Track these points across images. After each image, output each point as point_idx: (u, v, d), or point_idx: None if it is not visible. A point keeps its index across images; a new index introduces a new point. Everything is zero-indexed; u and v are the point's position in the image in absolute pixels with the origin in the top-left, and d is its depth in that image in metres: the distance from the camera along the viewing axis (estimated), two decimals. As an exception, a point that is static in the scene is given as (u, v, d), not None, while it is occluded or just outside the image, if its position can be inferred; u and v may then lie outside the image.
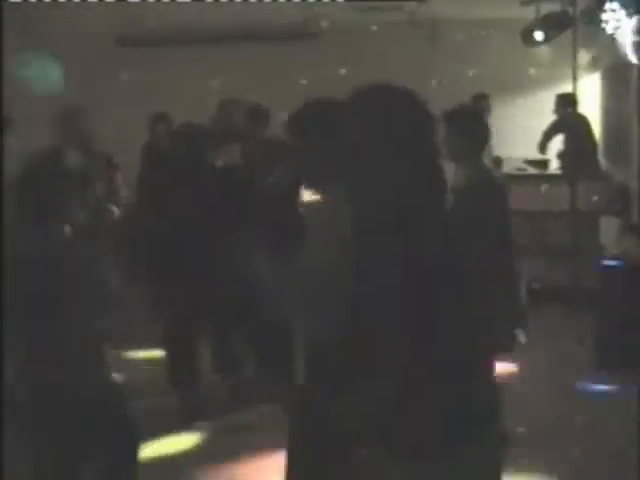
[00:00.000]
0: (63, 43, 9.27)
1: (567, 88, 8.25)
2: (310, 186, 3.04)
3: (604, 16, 7.42)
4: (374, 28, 10.03)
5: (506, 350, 4.52)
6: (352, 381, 2.17)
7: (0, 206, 4.02)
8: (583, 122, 8.75)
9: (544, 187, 8.11)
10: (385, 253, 2.11)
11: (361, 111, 2.23)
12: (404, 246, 2.12)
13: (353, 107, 2.26)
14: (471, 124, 4.57)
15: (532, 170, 8.82)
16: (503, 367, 5.55)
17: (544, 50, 9.01)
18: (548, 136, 9.05)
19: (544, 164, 9.16)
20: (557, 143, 9.05)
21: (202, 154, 5.54)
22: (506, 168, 8.78)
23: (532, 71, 10.06)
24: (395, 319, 2.09)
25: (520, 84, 10.17)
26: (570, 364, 6.15)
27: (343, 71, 10.08)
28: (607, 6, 7.38)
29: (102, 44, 10.51)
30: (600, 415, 5.24)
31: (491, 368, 2.43)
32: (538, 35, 8.49)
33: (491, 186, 4.57)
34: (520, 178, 8.48)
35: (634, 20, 6.82)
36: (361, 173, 2.21)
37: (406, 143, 2.18)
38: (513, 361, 5.95)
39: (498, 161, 9.05)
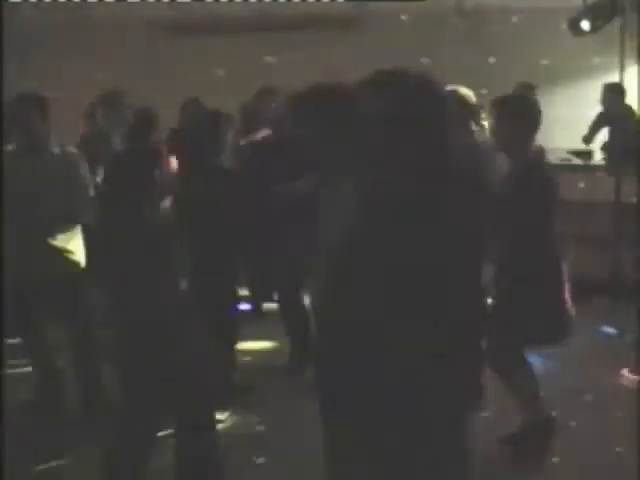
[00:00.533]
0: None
1: (614, 78, 8.20)
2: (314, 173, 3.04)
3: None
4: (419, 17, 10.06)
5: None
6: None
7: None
8: (630, 113, 8.67)
9: (588, 178, 8.04)
10: (396, 241, 2.14)
11: (369, 99, 2.18)
12: (415, 234, 2.14)
13: (362, 94, 2.21)
14: (523, 112, 4.54)
15: (576, 161, 8.77)
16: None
17: (591, 39, 8.93)
18: (596, 128, 8.97)
19: (588, 155, 9.10)
20: (601, 135, 8.98)
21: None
22: (550, 158, 8.71)
23: (579, 61, 9.99)
24: (411, 306, 2.14)
25: (566, 74, 10.09)
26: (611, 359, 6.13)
27: (387, 60, 10.10)
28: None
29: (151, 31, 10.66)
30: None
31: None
32: (585, 24, 8.45)
33: (542, 175, 4.55)
34: (563, 168, 8.42)
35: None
36: (368, 162, 2.20)
37: (413, 130, 2.14)
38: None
39: (541, 151, 9.01)
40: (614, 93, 8.27)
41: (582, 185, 7.92)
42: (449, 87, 5.63)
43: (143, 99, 6.88)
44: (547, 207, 4.44)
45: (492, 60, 9.83)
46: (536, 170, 4.51)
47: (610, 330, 6.65)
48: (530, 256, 4.36)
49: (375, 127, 2.15)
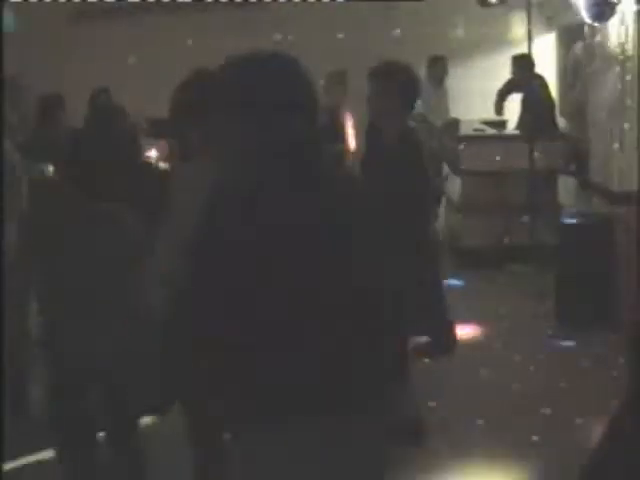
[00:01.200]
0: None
1: (522, 49, 8.31)
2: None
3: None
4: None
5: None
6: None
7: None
8: (540, 82, 8.80)
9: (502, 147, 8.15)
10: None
11: (227, 79, 2.22)
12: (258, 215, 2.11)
13: (222, 76, 2.25)
14: (400, 81, 4.32)
15: (490, 131, 8.88)
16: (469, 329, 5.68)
17: (499, 11, 9.04)
18: (502, 95, 9.07)
19: (502, 124, 9.22)
20: (515, 105, 9.10)
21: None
22: (464, 130, 8.83)
23: (487, 32, 10.09)
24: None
25: (476, 46, 10.18)
26: (534, 321, 6.26)
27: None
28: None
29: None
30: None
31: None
32: (492, -4, 8.52)
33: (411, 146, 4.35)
34: (478, 139, 8.52)
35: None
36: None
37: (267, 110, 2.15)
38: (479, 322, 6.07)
39: (455, 122, 9.11)
40: (524, 64, 8.37)
41: (497, 155, 8.03)
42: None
43: (48, 86, 6.76)
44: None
45: (398, 32, 9.85)
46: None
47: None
48: None
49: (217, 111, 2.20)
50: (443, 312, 4.58)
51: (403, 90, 4.31)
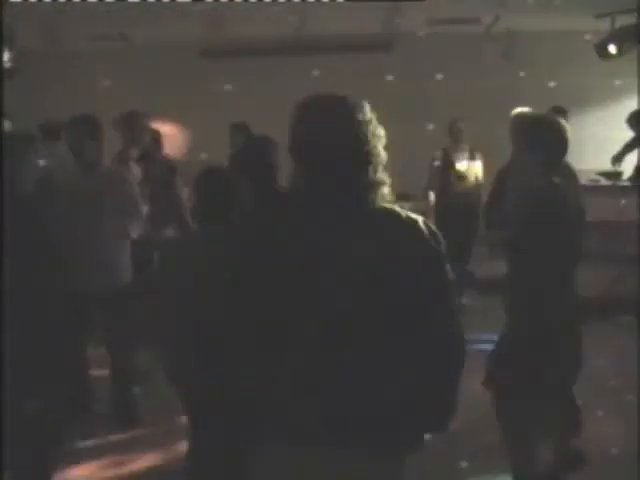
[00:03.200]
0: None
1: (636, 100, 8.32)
2: None
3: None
4: (449, 40, 10.24)
5: None
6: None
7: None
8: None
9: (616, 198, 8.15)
10: None
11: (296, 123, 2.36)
12: None
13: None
14: (544, 136, 4.19)
15: (605, 182, 8.86)
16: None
17: (618, 63, 9.06)
18: (626, 150, 9.01)
19: (617, 175, 9.19)
20: (632, 156, 9.06)
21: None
22: (580, 179, 8.83)
23: (605, 83, 10.13)
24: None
25: (593, 96, 10.22)
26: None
27: (418, 81, 10.33)
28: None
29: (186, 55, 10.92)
30: None
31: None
32: (612, 48, 8.58)
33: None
34: (592, 189, 8.53)
35: None
36: None
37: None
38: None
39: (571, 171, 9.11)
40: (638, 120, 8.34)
41: (611, 206, 8.02)
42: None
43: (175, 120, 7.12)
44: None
45: (521, 83, 9.98)
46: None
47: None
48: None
49: None
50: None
51: (548, 145, 4.17)
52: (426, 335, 2.24)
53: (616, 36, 8.44)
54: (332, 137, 2.26)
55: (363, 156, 2.27)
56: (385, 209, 2.31)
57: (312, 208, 2.26)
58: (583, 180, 8.74)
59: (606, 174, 9.09)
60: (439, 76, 10.45)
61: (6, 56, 7.23)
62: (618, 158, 9.04)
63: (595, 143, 9.61)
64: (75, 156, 5.25)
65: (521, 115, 5.33)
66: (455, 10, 9.17)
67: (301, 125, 2.32)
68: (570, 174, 5.43)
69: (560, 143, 4.20)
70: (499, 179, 5.97)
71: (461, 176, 8.06)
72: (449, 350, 2.29)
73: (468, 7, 9.05)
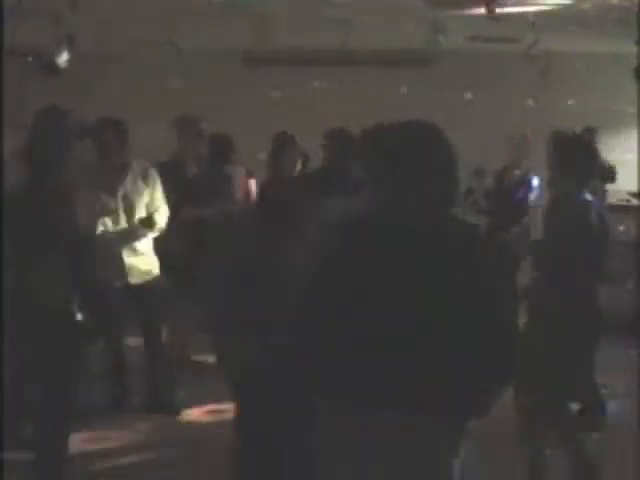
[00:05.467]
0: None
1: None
2: None
3: None
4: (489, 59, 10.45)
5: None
6: None
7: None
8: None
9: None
10: None
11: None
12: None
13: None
14: (579, 154, 4.43)
15: (635, 201, 8.99)
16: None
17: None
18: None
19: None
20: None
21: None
22: (610, 199, 8.99)
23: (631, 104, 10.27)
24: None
25: (623, 117, 10.36)
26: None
27: (457, 98, 10.53)
28: None
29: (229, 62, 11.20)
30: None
31: None
32: (648, 71, 8.71)
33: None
34: (622, 208, 8.67)
35: None
36: None
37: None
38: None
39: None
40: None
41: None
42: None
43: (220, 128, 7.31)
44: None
45: (557, 104, 10.14)
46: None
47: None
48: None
49: None
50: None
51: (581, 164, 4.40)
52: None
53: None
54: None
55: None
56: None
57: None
58: (614, 199, 8.93)
59: (637, 194, 9.20)
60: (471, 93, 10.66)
61: (65, 56, 7.54)
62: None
63: (628, 165, 9.75)
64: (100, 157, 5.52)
65: (557, 134, 5.52)
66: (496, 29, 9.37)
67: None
68: (599, 193, 5.59)
69: (592, 162, 4.45)
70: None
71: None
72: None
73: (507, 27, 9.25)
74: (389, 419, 2.39)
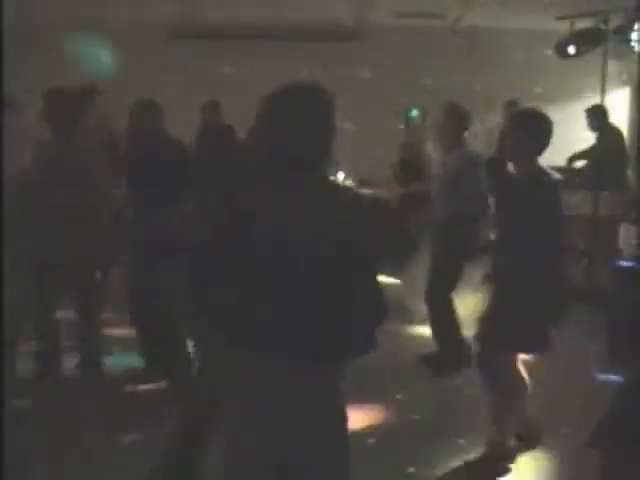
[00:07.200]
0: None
1: (595, 100, 8.68)
2: None
3: (634, 35, 7.88)
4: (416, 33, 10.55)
5: (539, 350, 4.76)
6: None
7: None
8: (618, 135, 8.98)
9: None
10: None
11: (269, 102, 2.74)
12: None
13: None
14: (539, 126, 4.59)
15: (558, 176, 9.16)
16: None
17: (575, 63, 9.42)
18: (583, 155, 9.22)
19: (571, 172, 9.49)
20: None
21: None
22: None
23: (563, 82, 10.52)
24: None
25: (550, 94, 10.58)
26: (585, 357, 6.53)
27: (385, 73, 10.60)
28: (637, 26, 7.84)
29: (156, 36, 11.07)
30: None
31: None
32: (571, 49, 8.94)
33: (546, 187, 4.61)
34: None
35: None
36: None
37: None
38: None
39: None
40: (597, 113, 8.68)
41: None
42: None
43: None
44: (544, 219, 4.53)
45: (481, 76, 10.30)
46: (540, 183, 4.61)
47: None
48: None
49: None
50: None
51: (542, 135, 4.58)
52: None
53: (576, 38, 8.81)
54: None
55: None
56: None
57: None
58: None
59: (560, 169, 9.37)
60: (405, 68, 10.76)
61: None
62: (574, 159, 9.33)
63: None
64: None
65: (518, 108, 5.60)
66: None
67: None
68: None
69: (549, 134, 4.61)
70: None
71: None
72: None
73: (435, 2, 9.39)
74: (278, 362, 2.61)
